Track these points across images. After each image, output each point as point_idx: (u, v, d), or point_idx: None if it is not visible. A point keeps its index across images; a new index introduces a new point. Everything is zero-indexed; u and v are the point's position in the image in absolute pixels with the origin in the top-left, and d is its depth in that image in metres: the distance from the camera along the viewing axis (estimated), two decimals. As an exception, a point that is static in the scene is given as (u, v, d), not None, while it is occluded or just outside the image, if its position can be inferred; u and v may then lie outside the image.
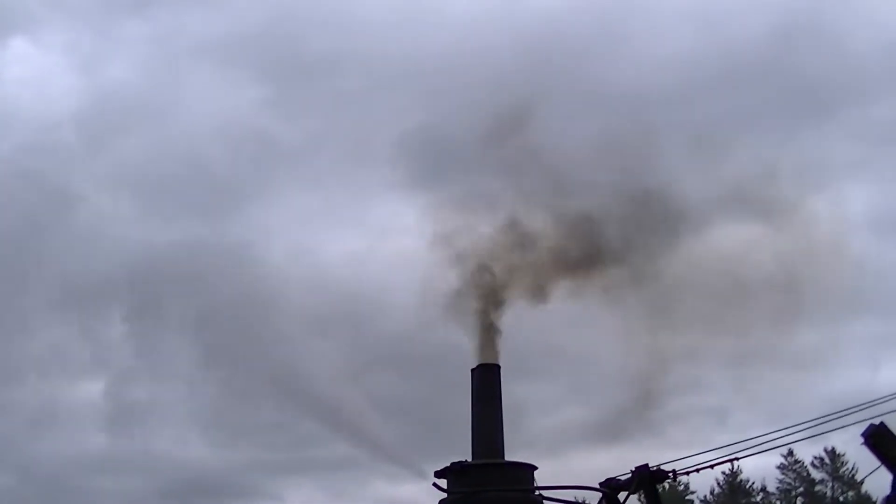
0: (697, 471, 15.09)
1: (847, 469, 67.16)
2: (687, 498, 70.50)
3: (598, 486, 16.07)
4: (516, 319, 19.09)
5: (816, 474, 70.89)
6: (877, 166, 74.39)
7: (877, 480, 14.44)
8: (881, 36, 72.89)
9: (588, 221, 20.75)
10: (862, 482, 62.57)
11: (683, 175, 21.02)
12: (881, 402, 13.81)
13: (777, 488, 71.58)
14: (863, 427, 13.49)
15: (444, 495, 16.43)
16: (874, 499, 54.53)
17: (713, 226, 21.11)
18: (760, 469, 68.87)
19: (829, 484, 68.62)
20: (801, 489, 71.02)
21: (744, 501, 71.70)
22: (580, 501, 18.19)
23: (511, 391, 18.07)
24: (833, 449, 67.32)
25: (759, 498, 72.40)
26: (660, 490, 15.46)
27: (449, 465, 16.49)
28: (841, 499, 65.35)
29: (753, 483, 71.97)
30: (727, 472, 68.61)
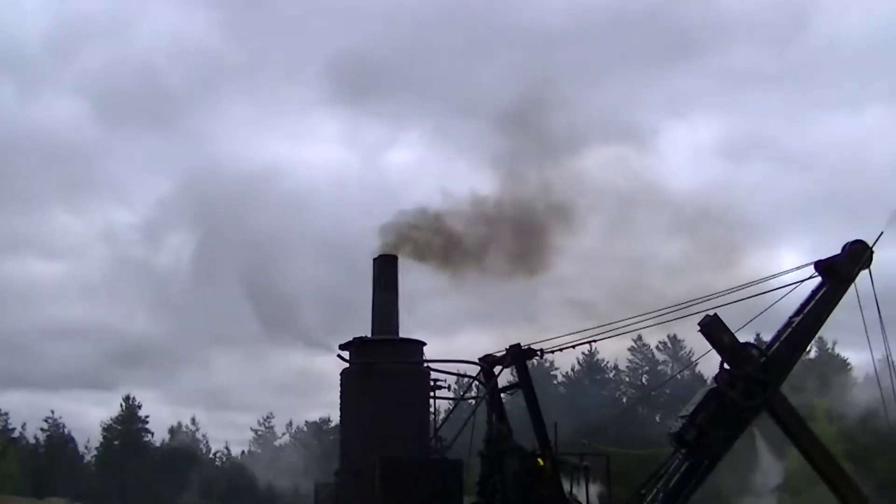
0: (561, 350, 17.16)
1: (685, 352, 71.86)
2: (552, 373, 75.23)
3: (476, 361, 17.85)
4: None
5: (660, 356, 76.75)
6: (730, 102, 79.31)
7: (708, 363, 17.00)
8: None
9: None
10: (696, 363, 67.59)
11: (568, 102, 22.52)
12: (715, 297, 16.08)
13: (627, 367, 77.24)
14: (700, 318, 15.80)
15: (347, 365, 17.86)
16: (706, 377, 59.42)
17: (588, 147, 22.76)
18: (614, 351, 73.33)
19: (670, 364, 73.97)
20: (647, 368, 76.97)
21: (598, 377, 77.18)
22: (462, 373, 19.37)
23: (407, 279, 19.51)
24: (675, 336, 71.81)
25: (611, 374, 78.16)
26: (529, 366, 17.24)
27: (351, 339, 17.85)
28: (679, 377, 70.75)
29: (608, 362, 77.42)
30: (586, 352, 73.19)
